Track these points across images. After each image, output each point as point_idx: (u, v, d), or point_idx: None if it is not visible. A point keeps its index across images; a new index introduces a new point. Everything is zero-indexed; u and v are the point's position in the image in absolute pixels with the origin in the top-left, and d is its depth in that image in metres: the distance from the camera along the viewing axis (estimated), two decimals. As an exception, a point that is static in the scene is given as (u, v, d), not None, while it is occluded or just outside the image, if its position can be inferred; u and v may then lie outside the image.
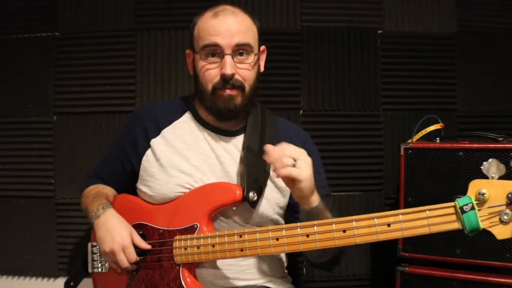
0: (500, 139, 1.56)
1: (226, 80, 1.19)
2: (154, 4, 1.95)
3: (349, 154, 1.96)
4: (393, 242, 1.64)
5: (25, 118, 1.97)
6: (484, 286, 1.49)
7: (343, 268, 1.96)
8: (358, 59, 1.97)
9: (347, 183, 1.95)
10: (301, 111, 1.96)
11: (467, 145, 1.53)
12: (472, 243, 1.50)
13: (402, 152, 1.61)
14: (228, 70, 1.18)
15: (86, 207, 1.33)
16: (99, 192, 1.36)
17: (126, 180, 1.36)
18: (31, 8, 1.97)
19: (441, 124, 1.71)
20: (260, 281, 1.28)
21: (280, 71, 1.91)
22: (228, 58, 1.18)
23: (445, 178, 1.54)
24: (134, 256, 1.19)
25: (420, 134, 1.71)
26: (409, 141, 1.66)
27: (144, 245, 1.21)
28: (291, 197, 1.31)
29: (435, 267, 1.57)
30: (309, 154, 1.32)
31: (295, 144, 1.32)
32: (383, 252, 1.91)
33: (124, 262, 1.19)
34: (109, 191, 1.38)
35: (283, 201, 1.30)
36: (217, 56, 1.20)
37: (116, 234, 1.19)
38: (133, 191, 1.35)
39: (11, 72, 1.98)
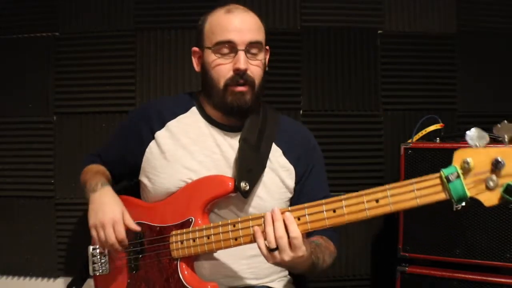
0: (500, 139, 1.56)
1: (239, 75, 1.21)
2: (154, 4, 1.95)
3: (349, 154, 1.96)
4: (393, 242, 1.64)
5: (25, 118, 1.97)
6: (484, 286, 1.49)
7: (343, 268, 1.96)
8: (358, 59, 1.98)
9: (347, 183, 1.95)
10: (301, 111, 1.96)
11: (467, 145, 1.52)
12: (472, 243, 1.50)
13: (402, 152, 1.61)
14: (242, 65, 1.19)
15: (85, 180, 1.34)
16: (101, 170, 1.38)
17: (126, 170, 1.37)
18: (31, 8, 1.97)
19: (441, 124, 1.71)
20: (261, 281, 1.28)
21: (280, 71, 1.90)
22: (242, 54, 1.20)
23: (445, 178, 1.54)
24: (122, 234, 1.19)
25: (420, 134, 1.71)
26: (409, 141, 1.67)
27: (133, 226, 1.21)
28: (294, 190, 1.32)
29: (435, 267, 1.57)
30: (313, 161, 1.34)
31: (295, 145, 1.33)
32: (383, 252, 1.91)
33: (111, 237, 1.18)
34: (109, 175, 1.40)
35: (288, 196, 1.31)
36: (230, 52, 1.22)
37: (108, 209, 1.20)
38: (131, 191, 1.36)
39: (11, 72, 1.98)
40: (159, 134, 1.29)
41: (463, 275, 1.52)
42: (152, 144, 1.29)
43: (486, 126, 1.88)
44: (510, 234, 1.46)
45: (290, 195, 1.31)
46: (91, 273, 1.31)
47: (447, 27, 2.00)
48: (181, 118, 1.31)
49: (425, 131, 1.71)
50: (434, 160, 1.56)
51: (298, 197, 1.31)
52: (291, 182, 1.29)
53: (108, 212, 1.20)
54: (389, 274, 1.68)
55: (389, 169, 1.96)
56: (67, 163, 1.95)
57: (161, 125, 1.29)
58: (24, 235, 1.96)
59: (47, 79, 1.96)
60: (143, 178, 1.31)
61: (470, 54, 2.00)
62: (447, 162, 1.54)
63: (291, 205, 1.32)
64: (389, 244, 1.72)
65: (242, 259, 1.24)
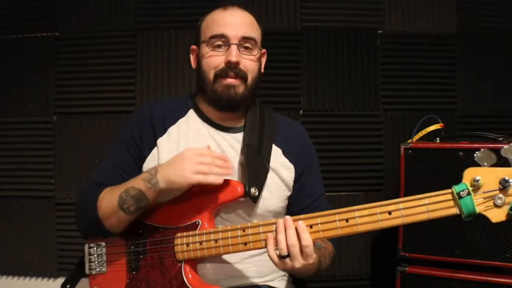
0: (500, 139, 1.56)
1: (230, 68, 1.22)
2: (154, 4, 1.96)
3: (349, 154, 1.96)
4: (393, 242, 1.64)
5: (25, 118, 1.98)
6: (484, 286, 1.49)
7: (343, 268, 1.96)
8: (358, 59, 1.98)
9: (347, 183, 1.95)
10: (301, 111, 1.96)
11: (467, 145, 1.53)
12: (472, 243, 1.50)
13: (402, 152, 1.61)
14: (234, 58, 1.21)
15: (118, 195, 1.17)
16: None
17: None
18: (31, 8, 1.98)
19: (441, 124, 1.71)
20: (264, 279, 1.28)
21: (280, 71, 1.91)
22: (234, 47, 1.22)
23: (445, 178, 1.54)
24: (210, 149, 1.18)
25: (420, 134, 1.71)
26: (409, 141, 1.67)
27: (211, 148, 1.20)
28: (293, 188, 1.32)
29: (435, 267, 1.57)
30: (311, 160, 1.34)
31: (295, 144, 1.33)
32: (383, 252, 1.91)
33: (207, 156, 1.13)
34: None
35: (287, 193, 1.31)
36: (223, 46, 1.23)
37: (180, 154, 1.15)
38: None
39: (11, 72, 1.98)
40: (161, 141, 1.28)
41: (463, 275, 1.51)
42: (154, 151, 1.28)
43: (486, 126, 1.89)
44: (510, 234, 1.46)
45: (289, 193, 1.31)
46: (87, 271, 1.30)
47: (447, 27, 2.00)
48: (181, 121, 1.31)
49: (425, 131, 1.71)
50: (434, 160, 1.56)
51: (297, 195, 1.32)
52: (290, 181, 1.30)
53: (186, 154, 1.14)
54: (389, 274, 1.68)
55: (389, 169, 1.96)
56: (67, 163, 1.96)
57: (163, 131, 1.29)
58: (24, 235, 1.96)
59: (47, 79, 1.97)
60: None
61: (470, 54, 2.00)
62: (447, 162, 1.56)
63: (289, 202, 1.33)
64: (389, 244, 1.71)
65: (246, 259, 1.24)
